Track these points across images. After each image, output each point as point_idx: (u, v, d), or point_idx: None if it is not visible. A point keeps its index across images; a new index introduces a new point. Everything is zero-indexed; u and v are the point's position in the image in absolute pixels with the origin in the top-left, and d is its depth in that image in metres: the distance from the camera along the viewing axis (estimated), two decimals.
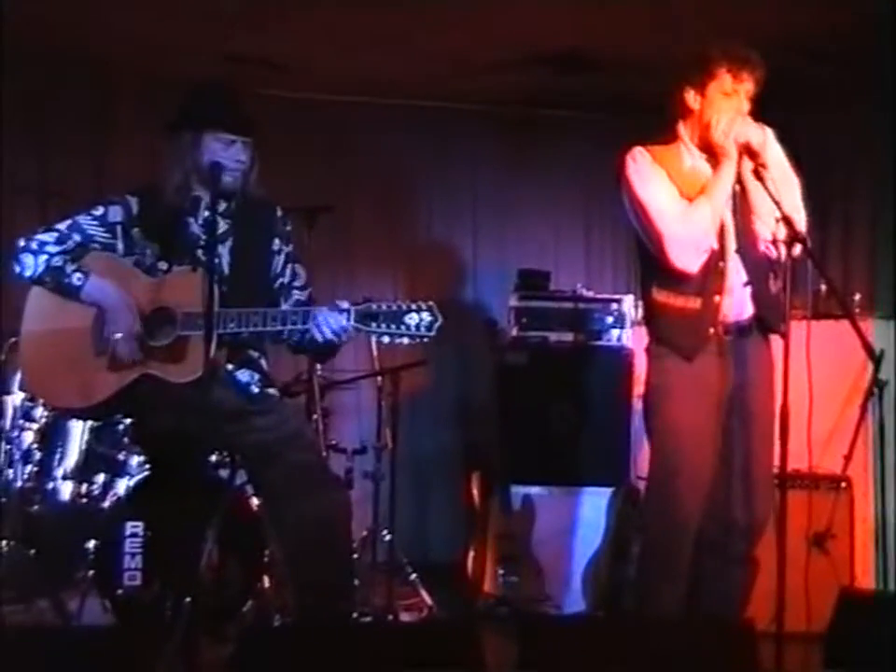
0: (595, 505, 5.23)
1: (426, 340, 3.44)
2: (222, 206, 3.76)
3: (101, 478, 4.54)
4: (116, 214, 3.76)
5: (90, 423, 4.50)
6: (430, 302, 3.45)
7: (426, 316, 3.43)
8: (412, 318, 3.42)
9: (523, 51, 5.93)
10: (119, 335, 3.62)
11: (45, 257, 3.67)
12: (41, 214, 5.75)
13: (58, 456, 4.59)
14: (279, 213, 3.91)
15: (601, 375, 5.44)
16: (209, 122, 3.72)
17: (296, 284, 3.87)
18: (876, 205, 6.02)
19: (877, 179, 6.00)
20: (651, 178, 3.73)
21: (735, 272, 3.74)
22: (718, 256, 3.71)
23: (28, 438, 4.58)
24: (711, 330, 3.70)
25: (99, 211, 3.76)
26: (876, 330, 4.86)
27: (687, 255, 3.67)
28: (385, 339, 3.45)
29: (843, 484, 4.73)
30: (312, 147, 6.40)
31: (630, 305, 5.61)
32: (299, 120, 6.43)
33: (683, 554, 3.69)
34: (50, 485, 4.57)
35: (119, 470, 4.52)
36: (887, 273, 5.85)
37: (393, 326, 3.42)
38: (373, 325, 3.44)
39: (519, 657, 3.21)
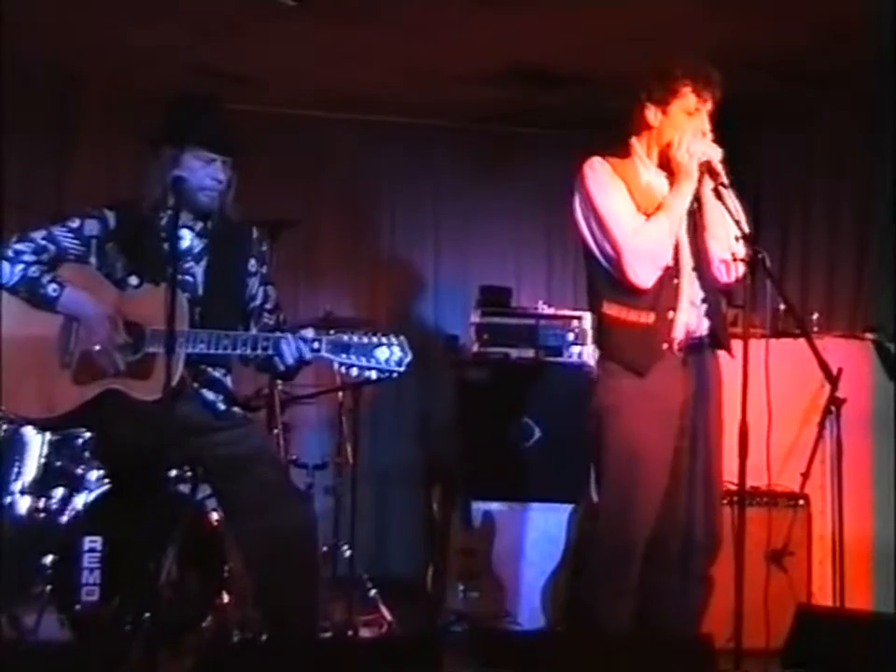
0: (555, 521, 5.23)
1: (394, 375, 3.45)
2: (198, 225, 3.75)
3: (59, 492, 4.49)
4: (92, 228, 3.71)
5: (48, 437, 4.46)
6: (401, 337, 3.47)
7: (396, 351, 3.44)
8: (382, 352, 3.44)
9: (487, 68, 5.96)
10: (98, 346, 3.59)
11: (21, 266, 3.63)
12: None
13: (15, 470, 4.53)
14: (255, 234, 3.89)
15: (562, 392, 5.46)
16: (190, 139, 3.68)
17: (267, 307, 3.86)
18: (836, 224, 6.07)
19: (837, 198, 6.07)
20: (610, 189, 3.69)
21: (690, 289, 3.72)
22: (673, 272, 3.69)
23: None
24: (665, 346, 3.67)
25: (75, 223, 3.72)
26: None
27: (644, 270, 3.64)
28: (354, 371, 3.46)
29: (801, 502, 4.78)
30: (276, 161, 6.38)
31: (591, 322, 5.63)
32: (263, 134, 6.42)
33: (634, 570, 3.67)
34: (8, 500, 4.51)
35: (77, 485, 4.46)
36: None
37: (363, 359, 3.44)
38: (343, 356, 3.46)
39: None
